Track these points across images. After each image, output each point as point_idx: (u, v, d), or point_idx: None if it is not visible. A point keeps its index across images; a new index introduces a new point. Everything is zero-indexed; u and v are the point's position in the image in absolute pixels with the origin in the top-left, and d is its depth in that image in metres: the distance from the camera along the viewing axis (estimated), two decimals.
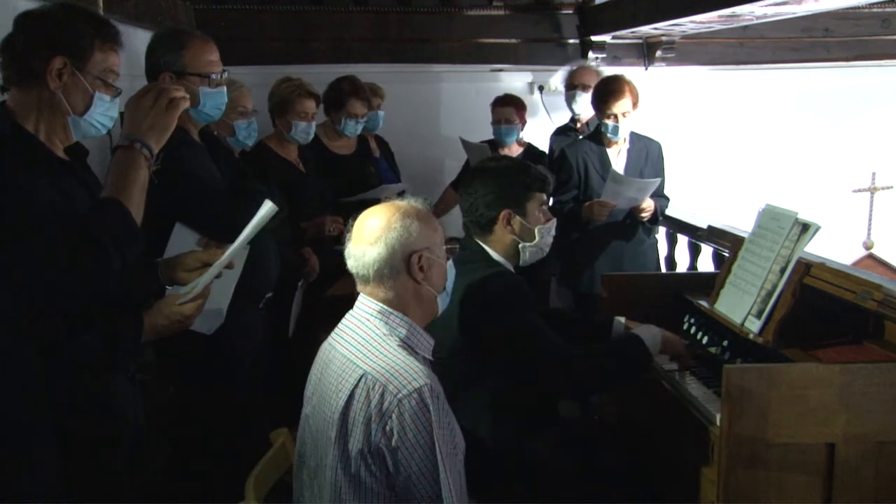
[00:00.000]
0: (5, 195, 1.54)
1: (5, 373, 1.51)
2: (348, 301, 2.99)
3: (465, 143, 4.16)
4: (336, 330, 1.78)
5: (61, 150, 1.73)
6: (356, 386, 1.60)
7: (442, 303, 1.82)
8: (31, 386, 1.54)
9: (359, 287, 1.77)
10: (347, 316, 1.78)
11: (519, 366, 2.15)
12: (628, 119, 3.45)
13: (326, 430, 1.63)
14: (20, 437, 1.53)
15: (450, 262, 1.84)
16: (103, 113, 1.73)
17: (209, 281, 1.85)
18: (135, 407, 1.83)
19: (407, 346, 1.70)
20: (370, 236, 1.71)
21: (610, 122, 3.45)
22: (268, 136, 3.44)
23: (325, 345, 1.79)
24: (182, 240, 2.23)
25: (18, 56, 1.66)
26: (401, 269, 1.71)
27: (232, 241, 2.27)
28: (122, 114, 1.81)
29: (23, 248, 1.52)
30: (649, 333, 2.26)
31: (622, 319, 2.59)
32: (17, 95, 1.68)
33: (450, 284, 1.85)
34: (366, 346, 1.67)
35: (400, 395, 1.56)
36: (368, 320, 1.71)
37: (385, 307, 1.71)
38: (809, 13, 4.17)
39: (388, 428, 1.55)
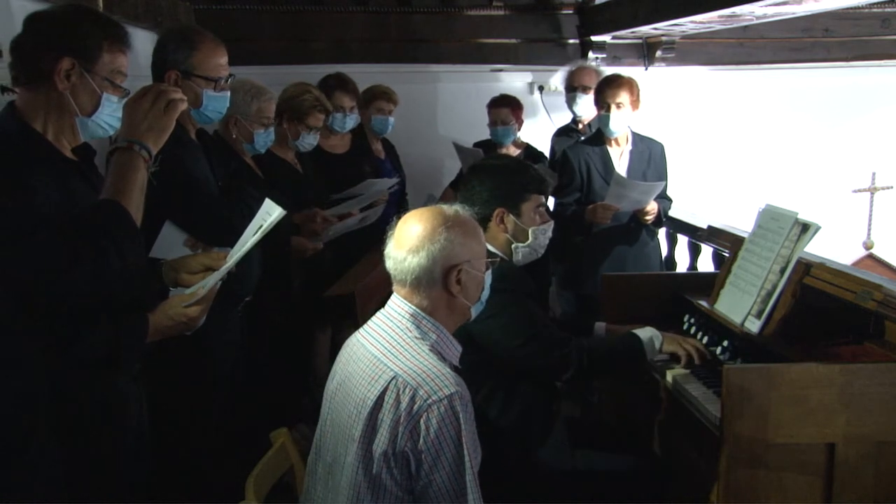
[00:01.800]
0: (9, 194, 1.54)
1: (4, 373, 1.51)
2: (348, 301, 2.99)
3: (458, 148, 4.15)
4: (366, 326, 1.78)
5: (69, 151, 1.74)
6: (386, 388, 1.60)
7: (475, 312, 1.83)
8: (31, 386, 1.54)
9: (395, 287, 1.77)
10: (379, 314, 1.78)
11: (511, 347, 2.16)
12: (623, 112, 3.45)
13: (350, 428, 1.63)
14: (20, 438, 1.53)
15: (487, 273, 1.83)
16: (111, 114, 1.74)
17: (214, 283, 1.85)
18: (138, 407, 1.83)
19: (436, 351, 1.70)
20: (413, 243, 1.70)
21: (604, 112, 3.47)
22: None
23: (352, 340, 1.79)
24: (170, 239, 2.22)
25: (27, 56, 1.67)
26: (438, 281, 1.71)
27: (218, 243, 2.27)
28: None
29: (22, 247, 1.52)
30: (648, 335, 2.29)
31: (602, 325, 2.61)
32: (25, 95, 1.69)
33: (485, 295, 1.84)
34: (397, 348, 1.67)
35: (430, 400, 1.56)
36: (400, 322, 1.72)
37: (418, 310, 1.72)
38: (809, 13, 4.17)
39: (415, 431, 1.56)
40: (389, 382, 1.60)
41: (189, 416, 2.42)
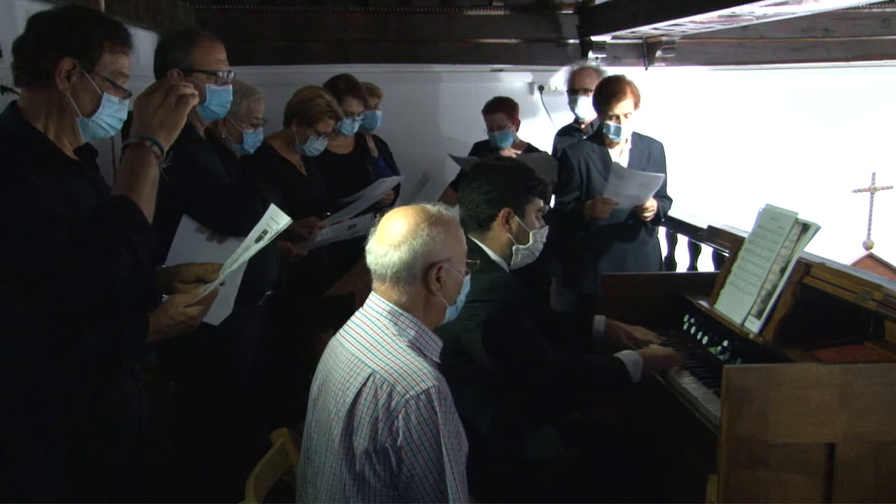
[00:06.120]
0: (16, 193, 1.54)
1: (15, 372, 1.52)
2: (348, 301, 3.00)
3: (457, 159, 4.14)
4: (345, 327, 1.78)
5: (71, 151, 1.74)
6: (364, 384, 1.60)
7: (450, 314, 1.82)
8: (39, 385, 1.54)
9: (374, 284, 1.77)
10: (357, 313, 1.78)
11: (495, 360, 2.15)
12: (630, 120, 3.44)
13: (332, 427, 1.64)
14: (28, 436, 1.53)
15: (467, 278, 1.83)
16: (112, 114, 1.74)
17: (216, 286, 1.86)
18: (138, 407, 1.84)
19: (416, 347, 1.70)
20: (395, 238, 1.71)
21: (612, 124, 3.44)
22: (272, 135, 3.38)
23: (333, 341, 1.79)
24: (188, 233, 2.24)
25: (28, 57, 1.67)
26: (418, 277, 1.71)
27: (234, 233, 2.28)
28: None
29: (33, 246, 1.52)
30: (631, 359, 2.27)
31: (602, 318, 2.59)
32: (27, 95, 1.69)
33: (461, 299, 1.84)
34: (375, 346, 1.67)
35: (408, 395, 1.56)
36: (378, 320, 1.72)
37: (395, 308, 1.72)
38: (809, 13, 4.17)
39: (394, 427, 1.56)
40: (367, 379, 1.60)
41: (209, 410, 2.45)
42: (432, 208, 1.77)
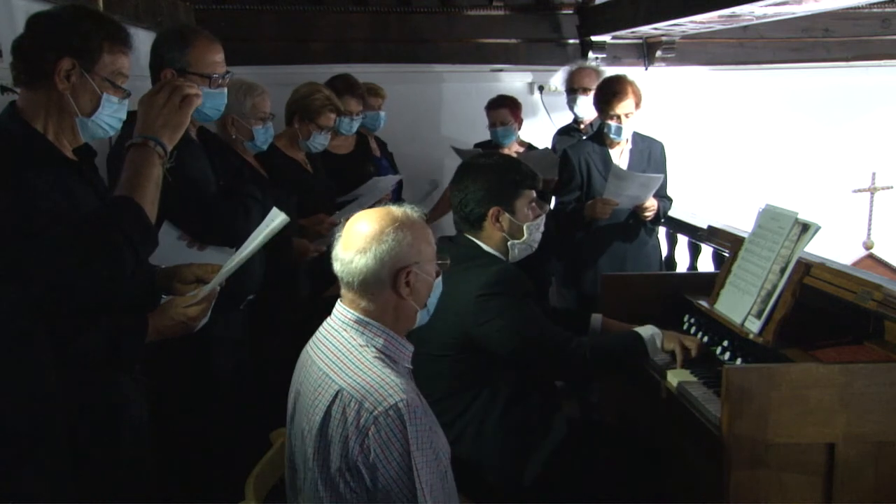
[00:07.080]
0: (15, 193, 1.55)
1: (15, 372, 1.52)
2: None
3: (459, 151, 4.14)
4: (313, 338, 1.75)
5: (70, 151, 1.74)
6: (332, 403, 1.57)
7: (420, 318, 1.77)
8: (41, 385, 1.55)
9: (342, 291, 1.72)
10: (325, 323, 1.74)
11: (514, 350, 2.15)
12: (631, 119, 3.45)
13: (305, 446, 1.63)
14: (29, 436, 1.53)
15: (438, 280, 1.79)
16: (111, 114, 1.74)
17: (216, 286, 1.86)
18: (138, 407, 1.84)
19: (384, 355, 1.66)
20: (360, 243, 1.66)
21: (613, 123, 3.45)
22: (276, 135, 3.34)
23: (303, 353, 1.76)
24: (169, 239, 2.23)
25: (27, 56, 1.68)
26: (386, 283, 1.67)
27: (214, 242, 2.27)
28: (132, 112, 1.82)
29: (33, 246, 1.52)
30: (649, 333, 2.29)
31: (599, 316, 2.60)
32: (26, 95, 1.70)
33: (433, 301, 1.79)
34: (342, 359, 1.64)
35: (376, 411, 1.53)
36: (345, 330, 1.68)
37: (362, 317, 1.68)
38: (809, 13, 4.17)
39: (364, 444, 1.53)
40: (335, 397, 1.58)
41: (191, 414, 2.42)
42: (398, 210, 1.72)
